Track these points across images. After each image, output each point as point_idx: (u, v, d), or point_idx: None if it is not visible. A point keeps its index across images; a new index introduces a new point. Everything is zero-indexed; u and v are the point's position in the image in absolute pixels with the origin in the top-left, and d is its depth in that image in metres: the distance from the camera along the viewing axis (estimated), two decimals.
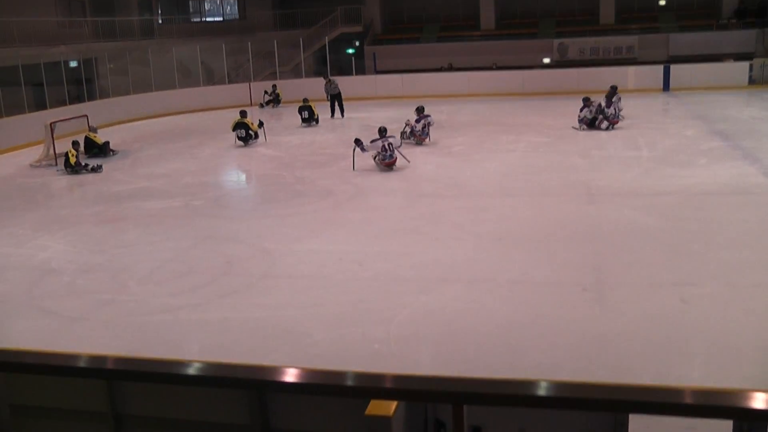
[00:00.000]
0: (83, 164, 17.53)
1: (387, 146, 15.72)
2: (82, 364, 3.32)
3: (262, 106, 28.90)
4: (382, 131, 16.05)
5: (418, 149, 18.09)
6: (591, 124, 19.61)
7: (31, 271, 10.34)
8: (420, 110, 19.07)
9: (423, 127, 18.71)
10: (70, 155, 17.32)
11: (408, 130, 18.80)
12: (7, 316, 8.97)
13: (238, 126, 20.16)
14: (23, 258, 11.01)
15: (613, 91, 20.44)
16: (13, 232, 12.43)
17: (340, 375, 2.96)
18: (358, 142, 15.88)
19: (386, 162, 15.71)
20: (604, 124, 19.49)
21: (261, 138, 20.29)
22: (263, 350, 7.41)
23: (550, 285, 8.77)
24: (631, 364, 6.68)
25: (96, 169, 17.45)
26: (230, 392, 3.20)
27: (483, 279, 9.08)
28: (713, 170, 14.34)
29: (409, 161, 15.99)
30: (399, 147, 16.02)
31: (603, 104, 19.78)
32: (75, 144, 17.80)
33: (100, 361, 3.43)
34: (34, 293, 9.44)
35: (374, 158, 15.95)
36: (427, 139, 18.79)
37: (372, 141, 15.89)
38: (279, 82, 29.98)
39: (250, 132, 20.11)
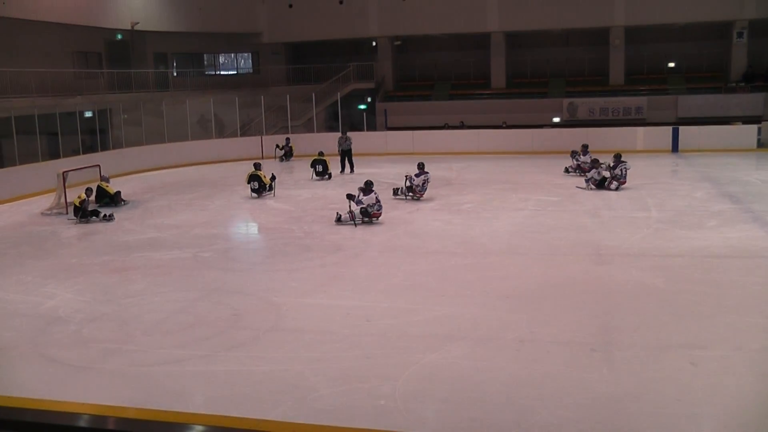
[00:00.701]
0: (95, 211, 17.68)
1: (378, 198, 16.15)
2: (83, 423, 3.30)
3: (282, 159, 29.13)
4: (370, 184, 16.42)
5: (428, 206, 18.17)
6: (600, 184, 19.73)
7: (38, 319, 10.34)
8: (421, 166, 19.40)
9: (423, 183, 19.05)
10: (75, 199, 17.50)
11: (408, 184, 19.09)
12: (13, 363, 8.96)
13: (252, 178, 20.44)
14: (30, 305, 11.03)
15: (618, 159, 20.59)
16: (22, 280, 12.48)
17: None
18: (350, 196, 16.17)
19: (376, 213, 16.09)
20: (614, 184, 19.58)
21: (272, 191, 20.47)
22: (268, 404, 7.36)
23: (558, 344, 8.72)
24: (639, 427, 6.61)
25: (108, 218, 17.60)
26: None
27: (490, 337, 9.04)
28: (723, 233, 14.32)
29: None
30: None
31: (611, 164, 19.93)
32: (88, 191, 17.96)
33: (101, 420, 3.40)
34: (40, 341, 9.43)
35: (354, 212, 16.09)
36: (423, 194, 19.11)
37: (365, 195, 16.18)
38: (291, 136, 30.24)
39: (263, 183, 20.35)
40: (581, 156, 22.90)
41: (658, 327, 9.18)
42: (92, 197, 18.55)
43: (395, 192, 19.38)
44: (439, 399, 7.39)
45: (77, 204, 17.50)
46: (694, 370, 7.83)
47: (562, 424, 6.69)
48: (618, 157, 20.20)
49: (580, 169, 22.51)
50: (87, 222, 17.33)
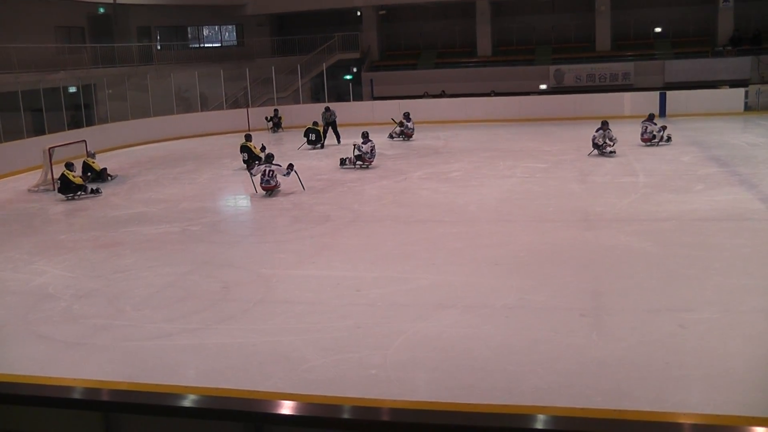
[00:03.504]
0: (81, 186, 17.52)
1: (267, 172, 16.44)
2: (76, 395, 3.30)
3: (274, 131, 29.04)
4: (269, 157, 16.94)
5: (416, 175, 18.18)
6: (599, 146, 19.66)
7: (28, 296, 10.31)
8: (365, 135, 20.02)
9: (371, 150, 19.55)
10: (69, 176, 17.28)
11: (357, 153, 19.48)
12: (3, 341, 8.94)
13: (242, 149, 20.50)
14: (20, 283, 10.99)
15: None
16: (10, 257, 12.42)
17: (337, 408, 2.94)
18: (250, 167, 17.44)
19: (263, 186, 16.47)
20: (608, 148, 19.52)
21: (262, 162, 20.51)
22: (260, 376, 7.38)
23: (548, 310, 8.76)
24: (629, 390, 6.66)
25: (95, 192, 17.59)
26: (228, 424, 3.18)
27: (480, 304, 9.07)
28: (710, 196, 14.38)
29: (304, 188, 16.81)
30: (286, 175, 16.65)
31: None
32: (69, 165, 17.72)
33: (94, 392, 3.39)
34: (30, 318, 9.41)
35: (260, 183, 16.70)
36: (372, 161, 19.60)
37: (258, 165, 17.16)
38: (278, 108, 30.10)
39: (253, 155, 20.35)
40: (405, 122, 25.03)
41: (646, 291, 9.23)
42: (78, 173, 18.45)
43: (342, 162, 19.80)
44: (430, 367, 7.43)
45: (70, 177, 17.29)
46: (682, 333, 7.88)
47: (552, 389, 6.74)
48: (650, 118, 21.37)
49: (404, 135, 25.11)
50: (74, 198, 17.25)
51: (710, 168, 17.26)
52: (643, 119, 21.45)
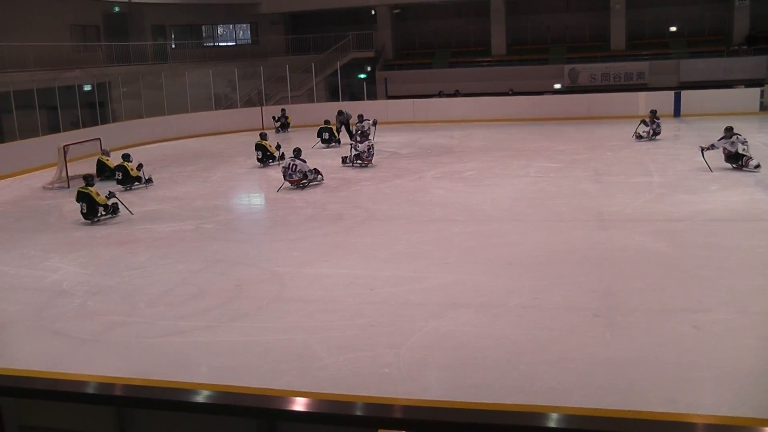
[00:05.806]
0: (138, 177, 18.29)
1: (291, 166, 17.03)
2: (91, 390, 3.32)
3: (278, 131, 28.92)
4: (296, 152, 17.45)
5: (429, 174, 18.17)
6: (734, 159, 16.76)
7: (42, 293, 10.38)
8: (361, 134, 20.75)
9: (368, 149, 19.80)
10: (129, 169, 18.14)
11: (355, 152, 19.76)
12: (18, 337, 9.01)
13: (257, 148, 20.71)
14: (34, 279, 11.07)
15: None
16: (25, 254, 12.51)
17: (350, 404, 2.94)
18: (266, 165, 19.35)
19: (287, 180, 17.11)
20: (752, 162, 16.52)
21: (279, 160, 20.51)
22: (273, 374, 7.40)
23: (561, 310, 8.74)
24: (642, 391, 6.63)
25: (149, 181, 18.57)
26: (240, 420, 3.20)
27: (493, 304, 9.06)
28: (725, 196, 14.29)
29: (305, 184, 17.14)
30: (308, 172, 17.09)
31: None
32: (126, 156, 18.53)
33: (108, 387, 3.41)
34: (44, 314, 9.47)
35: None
36: (371, 160, 19.79)
37: (284, 160, 17.96)
38: (291, 107, 30.07)
39: (268, 153, 20.45)
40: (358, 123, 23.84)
41: (660, 291, 9.19)
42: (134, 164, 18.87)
43: (344, 161, 20.12)
44: (443, 366, 7.43)
45: (133, 174, 18.19)
46: (696, 333, 7.85)
47: (565, 389, 6.72)
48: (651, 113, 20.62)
49: (359, 159, 22.90)
50: (130, 189, 17.99)
51: (725, 168, 17.12)
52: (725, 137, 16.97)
